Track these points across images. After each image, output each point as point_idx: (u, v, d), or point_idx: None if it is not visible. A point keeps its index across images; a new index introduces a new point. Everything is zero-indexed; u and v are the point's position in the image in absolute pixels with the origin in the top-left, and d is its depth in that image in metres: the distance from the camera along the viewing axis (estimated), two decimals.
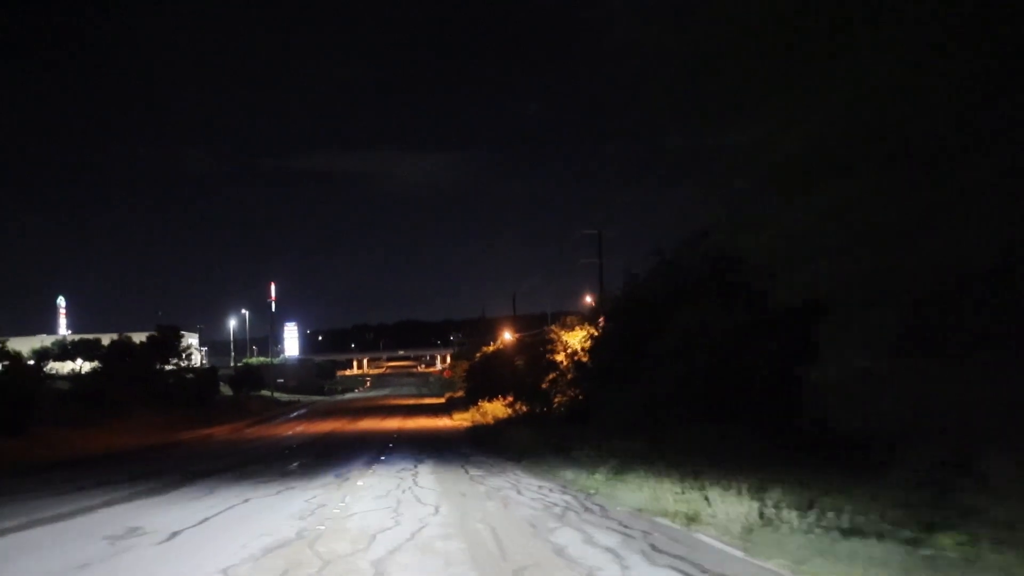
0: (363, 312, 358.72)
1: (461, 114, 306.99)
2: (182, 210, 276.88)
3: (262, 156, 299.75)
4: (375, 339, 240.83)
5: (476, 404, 48.68)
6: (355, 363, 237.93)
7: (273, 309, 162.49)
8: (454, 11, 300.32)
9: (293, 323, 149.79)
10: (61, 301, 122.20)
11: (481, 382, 58.91)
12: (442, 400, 78.93)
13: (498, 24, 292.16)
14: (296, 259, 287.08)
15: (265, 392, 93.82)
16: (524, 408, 37.49)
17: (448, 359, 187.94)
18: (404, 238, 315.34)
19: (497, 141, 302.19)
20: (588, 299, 48.23)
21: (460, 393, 78.44)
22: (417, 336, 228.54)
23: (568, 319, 43.71)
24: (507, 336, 71.70)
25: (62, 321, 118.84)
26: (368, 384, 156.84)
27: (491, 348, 72.06)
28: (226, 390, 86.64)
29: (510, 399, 42.79)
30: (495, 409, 42.01)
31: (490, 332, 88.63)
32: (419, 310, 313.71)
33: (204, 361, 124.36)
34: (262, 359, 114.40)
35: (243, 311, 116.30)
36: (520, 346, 57.06)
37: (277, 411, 66.51)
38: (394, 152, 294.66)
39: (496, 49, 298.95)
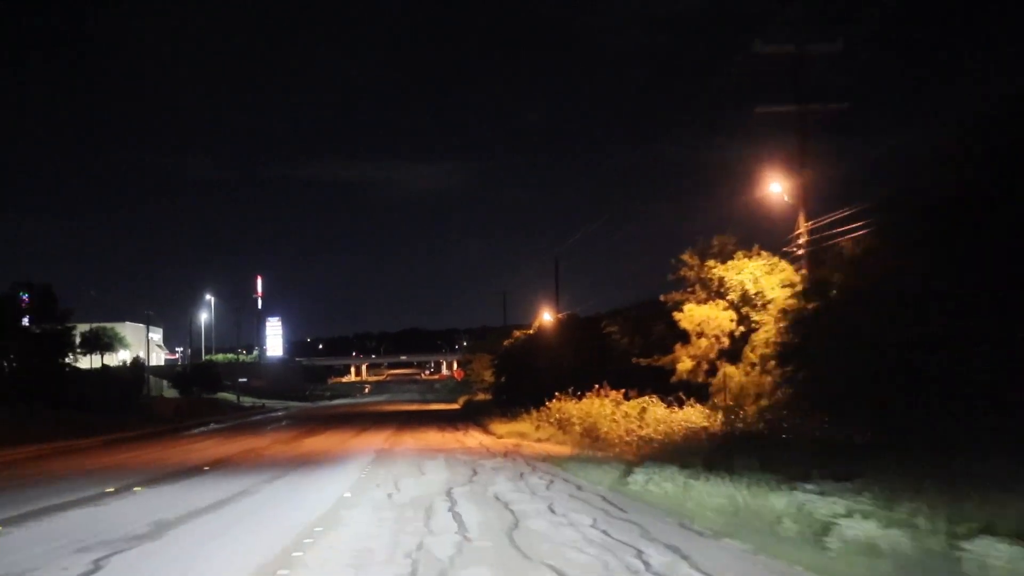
0: (366, 321, 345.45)
1: (465, 122, 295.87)
2: (182, 215, 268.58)
3: (264, 163, 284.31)
4: (377, 347, 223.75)
5: (535, 407, 28.00)
6: (353, 369, 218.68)
7: (260, 306, 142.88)
8: (457, 20, 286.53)
9: (276, 318, 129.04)
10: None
11: (522, 376, 38.48)
12: (456, 406, 58.05)
13: (502, 33, 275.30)
14: (298, 267, 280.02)
15: (227, 395, 73.94)
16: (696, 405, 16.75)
17: (455, 365, 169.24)
18: (408, 246, 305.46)
19: (501, 149, 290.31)
20: None
21: (482, 395, 57.78)
22: (420, 344, 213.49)
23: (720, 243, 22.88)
24: (546, 317, 50.79)
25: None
26: (368, 390, 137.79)
27: (521, 333, 51.41)
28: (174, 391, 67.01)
29: (617, 393, 22.20)
30: (601, 410, 21.07)
31: (505, 336, 67.50)
32: (423, 319, 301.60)
33: (169, 358, 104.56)
34: (229, 356, 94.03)
35: (208, 296, 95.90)
36: (570, 326, 36.98)
37: (210, 419, 46.01)
38: (397, 160, 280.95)
39: (499, 58, 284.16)
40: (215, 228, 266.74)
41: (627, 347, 25.10)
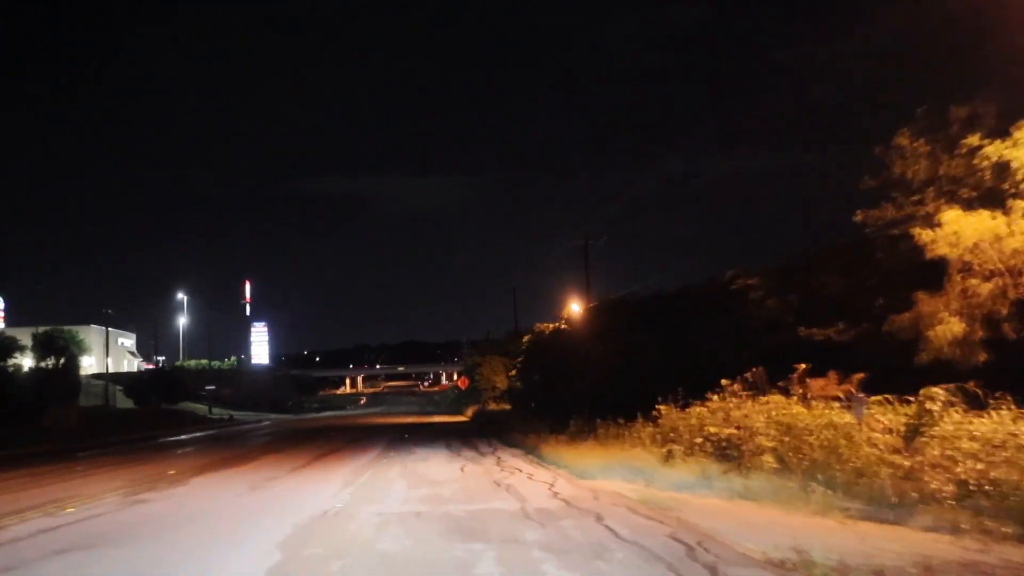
0: (366, 335, 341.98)
1: (467, 138, 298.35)
2: (181, 227, 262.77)
3: (265, 178, 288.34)
4: (376, 359, 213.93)
5: (622, 418, 17.16)
6: (348, 381, 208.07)
7: (248, 312, 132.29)
8: (459, 37, 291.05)
9: (262, 324, 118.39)
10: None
11: (560, 375, 28.18)
12: (463, 417, 47.57)
13: (503, 50, 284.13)
14: (298, 280, 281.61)
15: (198, 405, 63.51)
16: None
17: (455, 376, 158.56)
18: (408, 261, 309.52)
19: (502, 164, 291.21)
20: None
21: (495, 404, 47.20)
22: (420, 356, 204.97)
23: None
24: (574, 308, 40.57)
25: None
26: (363, 401, 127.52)
27: (548, 327, 41.28)
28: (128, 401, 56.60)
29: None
30: (817, 419, 10.01)
31: (519, 338, 57.35)
32: (423, 332, 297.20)
33: (147, 367, 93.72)
34: (201, 362, 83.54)
35: (181, 296, 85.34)
36: (641, 306, 26.58)
37: (143, 434, 35.50)
38: (398, 175, 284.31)
39: (500, 75, 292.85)
40: (214, 242, 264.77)
41: (777, 314, 14.60)
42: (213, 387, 58.98)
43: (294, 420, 57.78)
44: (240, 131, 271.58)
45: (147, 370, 61.82)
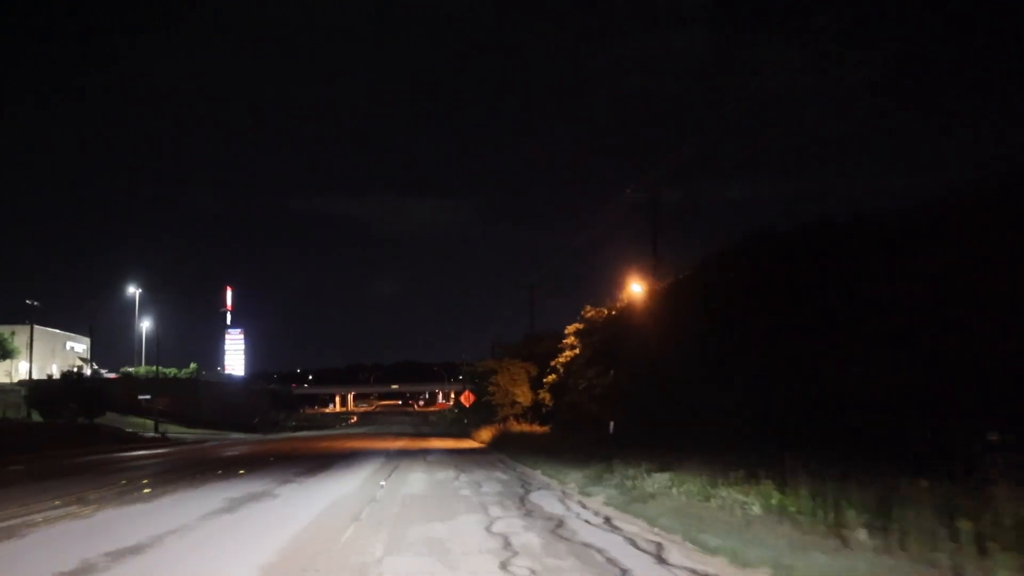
0: (360, 354, 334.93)
1: (466, 160, 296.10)
2: (177, 245, 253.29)
3: (263, 198, 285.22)
4: (369, 378, 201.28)
5: None
6: (338, 399, 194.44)
7: (228, 320, 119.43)
8: (458, 61, 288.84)
9: (238, 330, 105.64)
10: None
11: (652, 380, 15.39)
12: (473, 443, 34.63)
13: (498, 74, 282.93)
14: (292, 299, 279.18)
15: (141, 420, 50.59)
16: None
17: (452, 395, 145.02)
18: (406, 282, 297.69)
19: (498, 187, 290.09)
20: None
21: (518, 425, 34.30)
22: (415, 376, 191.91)
23: None
24: (635, 289, 27.09)
25: None
26: (354, 420, 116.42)
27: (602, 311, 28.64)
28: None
29: None
30: None
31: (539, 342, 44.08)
32: (418, 353, 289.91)
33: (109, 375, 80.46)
34: (150, 368, 70.47)
35: (132, 288, 72.13)
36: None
37: None
38: (397, 196, 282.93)
39: (496, 98, 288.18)
40: (210, 258, 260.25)
41: None
42: (147, 397, 46.14)
43: (249, 441, 44.86)
44: (237, 149, 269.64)
45: (60, 377, 48.64)
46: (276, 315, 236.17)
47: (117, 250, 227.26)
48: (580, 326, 28.31)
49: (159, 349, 68.92)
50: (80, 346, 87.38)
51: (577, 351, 27.95)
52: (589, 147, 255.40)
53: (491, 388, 38.77)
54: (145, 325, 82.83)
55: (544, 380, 30.48)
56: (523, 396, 38.06)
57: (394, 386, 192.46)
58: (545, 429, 30.65)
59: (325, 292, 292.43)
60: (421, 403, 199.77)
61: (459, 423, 69.34)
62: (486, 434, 33.58)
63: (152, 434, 45.96)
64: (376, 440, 40.66)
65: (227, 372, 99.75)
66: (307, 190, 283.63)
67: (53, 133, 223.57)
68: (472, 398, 53.67)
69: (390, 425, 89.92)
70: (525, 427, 32.89)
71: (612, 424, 19.39)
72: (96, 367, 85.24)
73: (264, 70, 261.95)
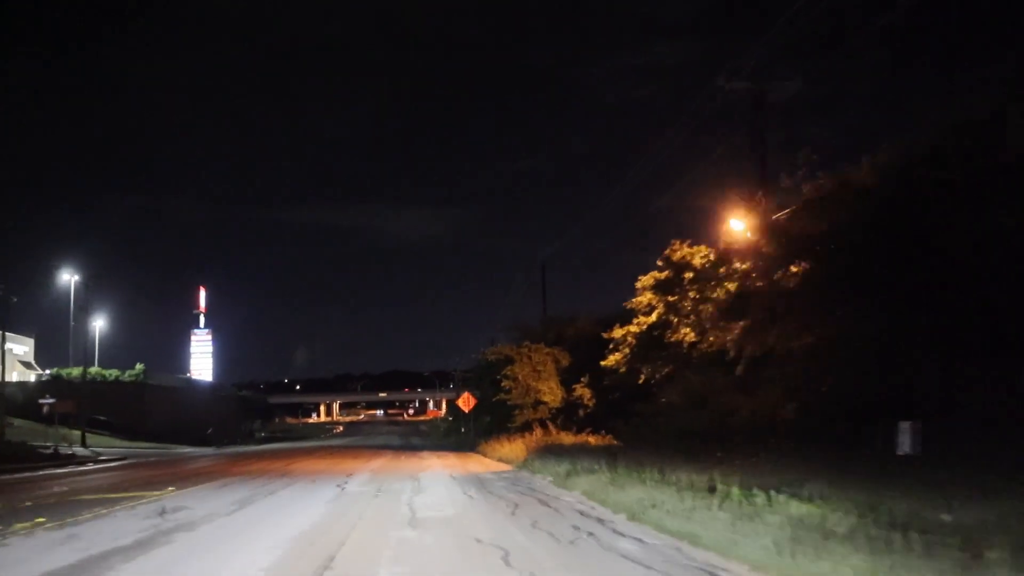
0: (348, 364, 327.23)
1: (453, 170, 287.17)
2: (164, 254, 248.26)
3: (249, 207, 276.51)
4: (357, 388, 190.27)
5: None
6: (323, 408, 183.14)
7: (201, 323, 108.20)
8: (447, 70, 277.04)
9: (205, 330, 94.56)
10: None
11: None
12: (489, 460, 23.65)
13: (487, 83, 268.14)
14: (281, 309, 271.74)
15: (73, 431, 39.59)
16: None
17: (444, 404, 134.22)
18: (394, 292, 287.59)
19: (486, 196, 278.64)
20: None
21: (543, 433, 23.23)
22: (405, 385, 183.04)
23: None
24: (733, 225, 15.17)
25: None
26: (340, 430, 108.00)
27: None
28: None
29: None
30: None
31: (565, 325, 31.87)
32: (408, 363, 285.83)
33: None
34: (107, 372, 59.22)
35: (70, 276, 60.79)
36: None
37: None
38: (384, 206, 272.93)
39: (484, 107, 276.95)
40: (196, 268, 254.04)
41: None
42: (51, 401, 35.24)
43: (182, 460, 33.91)
44: (224, 158, 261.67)
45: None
46: (266, 326, 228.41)
47: (100, 260, 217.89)
48: (662, 275, 17.73)
49: (100, 348, 57.81)
50: (21, 348, 75.93)
51: (658, 312, 17.44)
52: (580, 157, 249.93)
53: (506, 383, 27.95)
54: (98, 324, 71.32)
55: (601, 363, 19.89)
56: (551, 393, 27.39)
57: (382, 394, 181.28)
58: (602, 439, 20.00)
59: (315, 303, 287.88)
60: (411, 412, 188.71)
61: (454, 432, 58.41)
62: (507, 448, 22.55)
63: (76, 449, 35.07)
64: (347, 458, 29.65)
65: (194, 377, 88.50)
66: (291, 200, 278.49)
67: (35, 133, 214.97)
68: (473, 401, 42.82)
69: (375, 436, 78.97)
70: (558, 436, 22.20)
71: (908, 431, 8.68)
72: (41, 371, 74.02)
73: (253, 80, 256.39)
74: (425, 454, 30.74)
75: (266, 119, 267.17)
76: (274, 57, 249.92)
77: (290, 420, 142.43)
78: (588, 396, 25.41)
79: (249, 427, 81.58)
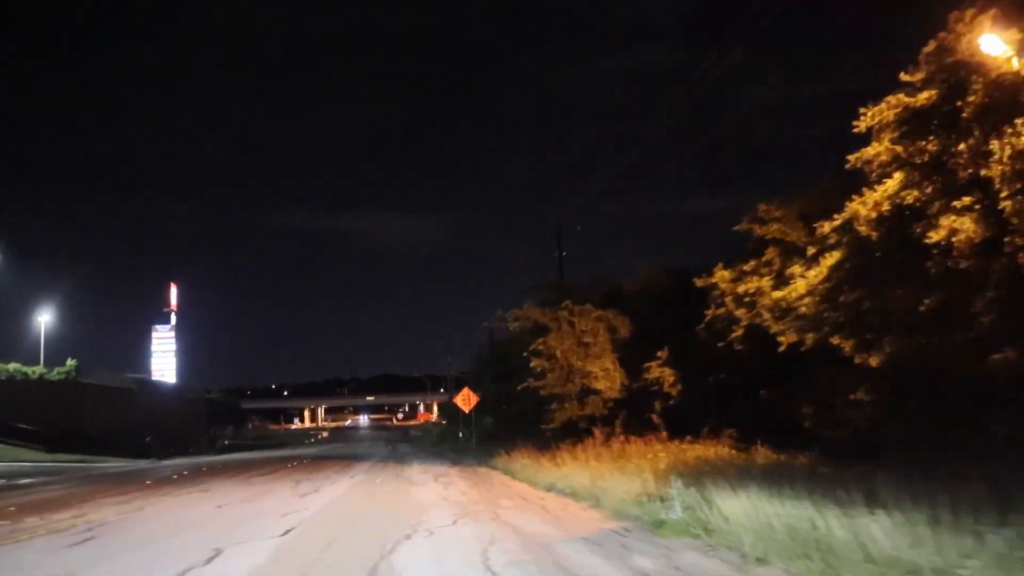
0: (338, 369, 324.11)
1: (445, 175, 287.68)
2: (152, 260, 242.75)
3: (241, 210, 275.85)
4: (344, 391, 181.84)
5: None
6: (307, 413, 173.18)
7: (173, 321, 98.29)
8: (438, 74, 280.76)
9: (167, 326, 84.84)
10: None
11: None
12: (570, 504, 14.12)
13: (479, 89, 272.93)
14: (271, 314, 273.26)
15: None
16: None
17: (436, 407, 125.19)
18: (385, 297, 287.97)
19: (477, 202, 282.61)
20: None
21: (603, 437, 13.82)
22: (396, 390, 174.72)
23: None
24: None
25: None
26: (325, 436, 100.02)
27: None
28: None
29: None
30: None
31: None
32: (398, 368, 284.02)
33: None
34: (30, 369, 49.59)
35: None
36: None
37: None
38: (376, 211, 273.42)
39: (477, 113, 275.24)
40: (184, 273, 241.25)
41: None
42: None
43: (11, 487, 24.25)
44: (216, 164, 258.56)
45: None
46: (257, 332, 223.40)
47: (95, 261, 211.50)
48: (921, 97, 8.48)
49: (19, 341, 48.31)
50: None
51: (899, 179, 8.35)
52: (567, 161, 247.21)
53: (536, 364, 18.53)
54: (44, 319, 61.42)
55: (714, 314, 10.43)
56: (606, 378, 18.04)
57: (369, 398, 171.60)
58: (721, 447, 10.86)
59: (304, 308, 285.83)
60: (400, 416, 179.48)
61: (450, 438, 49.07)
62: (568, 466, 12.63)
63: None
64: (291, 478, 20.13)
65: (154, 378, 78.80)
66: (283, 205, 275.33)
67: (33, 139, 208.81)
68: (475, 399, 33.55)
69: (359, 442, 69.55)
70: (658, 444, 12.93)
71: None
72: None
73: (243, 85, 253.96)
74: (416, 470, 21.11)
75: (257, 124, 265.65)
76: (263, 61, 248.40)
77: (272, 426, 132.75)
78: (671, 380, 16.21)
79: (214, 434, 71.96)
